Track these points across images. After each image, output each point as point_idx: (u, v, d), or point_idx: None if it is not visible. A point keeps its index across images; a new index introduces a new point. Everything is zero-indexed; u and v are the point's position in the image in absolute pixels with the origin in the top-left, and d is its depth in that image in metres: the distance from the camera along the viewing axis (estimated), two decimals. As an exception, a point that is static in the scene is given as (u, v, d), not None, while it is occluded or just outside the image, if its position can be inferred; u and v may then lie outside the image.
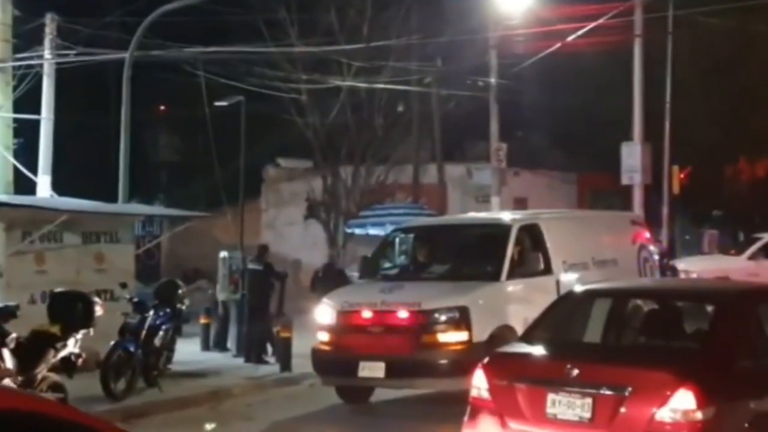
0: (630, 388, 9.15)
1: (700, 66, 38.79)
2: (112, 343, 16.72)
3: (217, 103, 34.67)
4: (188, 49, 30.28)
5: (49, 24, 26.26)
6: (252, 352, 21.37)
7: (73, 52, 26.62)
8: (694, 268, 30.84)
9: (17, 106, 25.54)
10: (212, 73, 32.16)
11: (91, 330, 14.74)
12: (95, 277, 19.37)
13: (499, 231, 17.12)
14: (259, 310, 21.57)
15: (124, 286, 18.71)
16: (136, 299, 18.23)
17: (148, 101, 40.52)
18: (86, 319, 14.58)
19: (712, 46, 37.92)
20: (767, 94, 38.87)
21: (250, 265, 22.31)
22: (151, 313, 17.67)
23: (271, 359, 21.09)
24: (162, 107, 52.87)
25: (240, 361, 21.39)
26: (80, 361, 14.55)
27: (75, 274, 18.85)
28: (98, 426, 4.67)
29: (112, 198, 24.11)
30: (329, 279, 22.47)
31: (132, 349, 16.83)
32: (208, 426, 13.63)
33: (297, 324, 20.43)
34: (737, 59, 38.78)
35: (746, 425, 9.13)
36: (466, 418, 10.17)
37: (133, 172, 25.26)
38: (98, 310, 14.93)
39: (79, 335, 14.45)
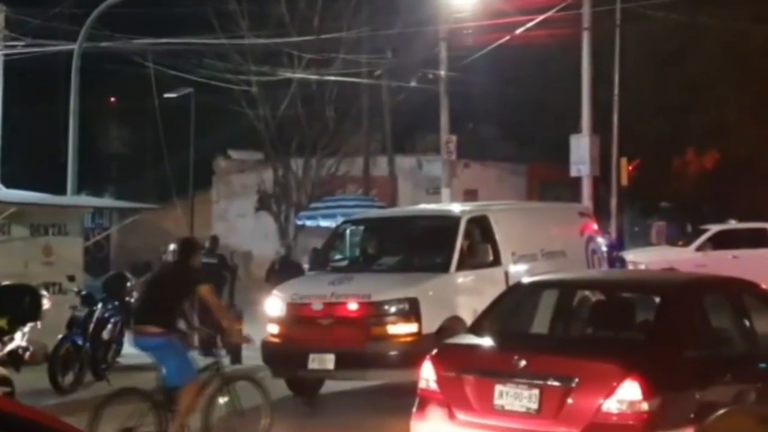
0: (577, 379, 9.21)
1: (648, 59, 39.07)
2: (60, 336, 16.60)
3: (167, 95, 34.57)
4: (138, 41, 30.17)
5: (-3, 15, 26.06)
6: (203, 344, 21.32)
7: (22, 43, 26.44)
8: (642, 259, 31.10)
9: (-35, 98, 25.36)
10: (162, 65, 32.08)
11: (39, 323, 14.66)
12: (43, 269, 19.24)
13: (449, 223, 17.17)
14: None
15: (72, 278, 18.59)
16: (84, 292, 18.11)
17: (97, 93, 40.29)
18: (33, 312, 14.50)
19: (660, 39, 38.20)
20: (714, 86, 39.22)
21: (204, 259, 22.19)
22: (100, 306, 17.55)
23: (221, 351, 21.03)
24: (112, 99, 52.62)
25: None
26: (28, 354, 14.48)
27: (23, 267, 18.70)
28: (42, 420, 4.66)
29: (61, 190, 23.97)
30: (285, 271, 22.41)
31: (80, 342, 16.73)
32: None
33: (248, 316, 20.39)
34: (684, 52, 39.07)
35: (692, 415, 9.21)
36: (414, 410, 10.20)
37: (83, 164, 25.11)
38: (46, 303, 14.87)
39: (27, 328, 14.38)
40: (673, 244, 34.60)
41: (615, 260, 26.76)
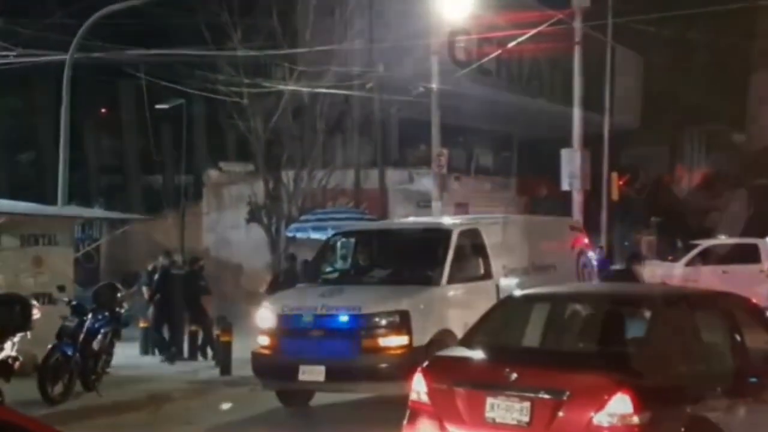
0: (568, 393, 9.20)
1: (639, 73, 39.18)
2: (50, 346, 16.58)
3: (159, 106, 34.53)
4: (130, 52, 30.15)
5: (-11, 25, 26.05)
6: (191, 350, 21.49)
7: (13, 53, 26.40)
8: (632, 273, 31.06)
9: (-45, 108, 25.34)
10: (154, 76, 32.04)
11: (29, 333, 14.63)
12: (33, 280, 19.20)
13: (440, 236, 17.17)
14: (191, 311, 21.60)
15: (62, 289, 18.57)
16: (74, 302, 18.09)
17: (88, 103, 40.19)
18: (23, 322, 14.46)
19: (651, 54, 38.32)
20: (703, 103, 39.34)
21: (173, 271, 22.38)
22: (90, 316, 17.53)
23: (211, 362, 21.04)
24: (103, 110, 52.50)
25: (179, 364, 21.34)
26: (17, 364, 14.44)
27: (13, 277, 18.68)
28: (33, 427, 4.65)
29: (51, 201, 23.92)
30: (288, 283, 22.35)
31: (70, 352, 16.71)
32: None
33: (239, 328, 20.38)
34: (675, 67, 39.20)
35: (682, 429, 9.22)
36: (405, 422, 10.19)
37: (73, 174, 25.06)
38: (36, 313, 14.83)
39: (17, 338, 14.34)
40: (663, 259, 34.65)
41: (611, 274, 26.76)
